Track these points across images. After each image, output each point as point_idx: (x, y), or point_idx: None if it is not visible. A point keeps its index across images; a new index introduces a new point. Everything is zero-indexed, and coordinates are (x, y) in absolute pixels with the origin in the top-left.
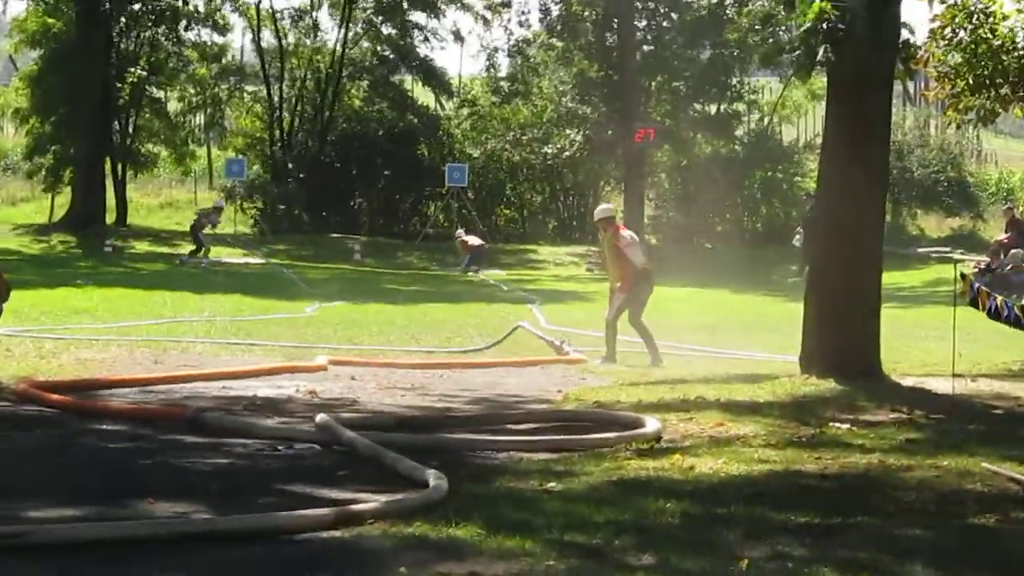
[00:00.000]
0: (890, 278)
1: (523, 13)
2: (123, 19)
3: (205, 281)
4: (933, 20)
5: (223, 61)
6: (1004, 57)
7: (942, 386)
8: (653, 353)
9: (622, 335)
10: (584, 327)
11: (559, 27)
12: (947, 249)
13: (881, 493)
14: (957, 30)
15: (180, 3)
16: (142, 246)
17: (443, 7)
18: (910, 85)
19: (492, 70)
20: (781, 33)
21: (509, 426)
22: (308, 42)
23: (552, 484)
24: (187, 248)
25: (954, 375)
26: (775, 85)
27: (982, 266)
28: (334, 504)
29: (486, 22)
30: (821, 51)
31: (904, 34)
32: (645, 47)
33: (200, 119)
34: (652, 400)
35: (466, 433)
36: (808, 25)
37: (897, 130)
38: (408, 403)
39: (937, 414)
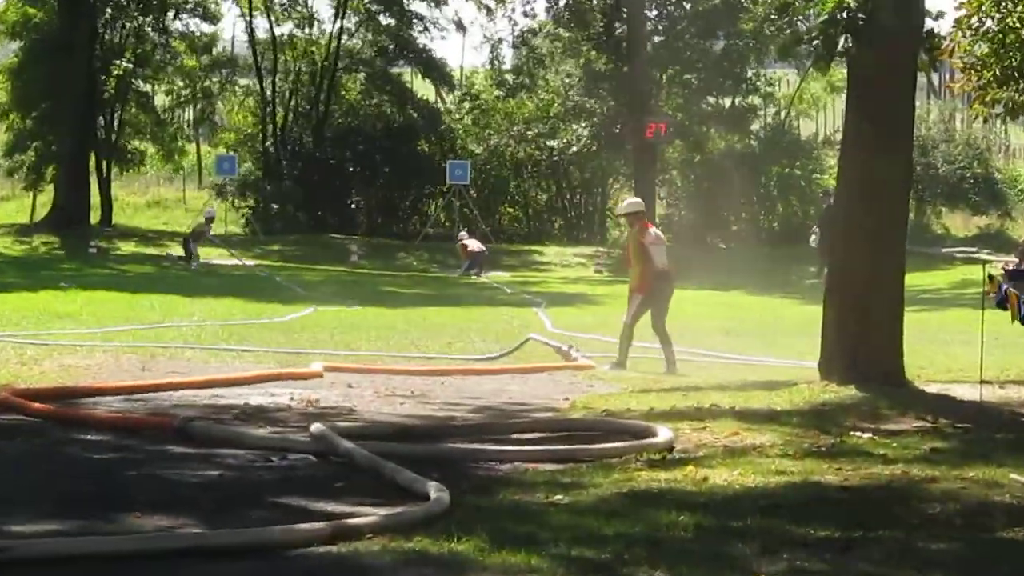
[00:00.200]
0: (914, 279)
1: (528, 2)
2: (108, 9)
3: (194, 284)
4: (959, 8)
5: (213, 52)
6: None
7: (969, 393)
8: (669, 359)
9: (638, 340)
10: (593, 331)
11: (566, 16)
12: (973, 249)
13: (904, 505)
14: (984, 19)
15: None
16: (128, 247)
17: None
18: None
19: (496, 62)
20: (799, 22)
21: (514, 435)
22: (303, 32)
23: (559, 496)
24: (176, 248)
25: (981, 382)
26: (792, 77)
27: (1010, 267)
28: (330, 518)
29: (489, 11)
30: (841, 41)
31: (928, 23)
32: (656, 38)
33: (189, 114)
34: (664, 408)
35: (469, 443)
36: (827, 14)
37: (921, 124)
38: (408, 411)
39: (963, 423)
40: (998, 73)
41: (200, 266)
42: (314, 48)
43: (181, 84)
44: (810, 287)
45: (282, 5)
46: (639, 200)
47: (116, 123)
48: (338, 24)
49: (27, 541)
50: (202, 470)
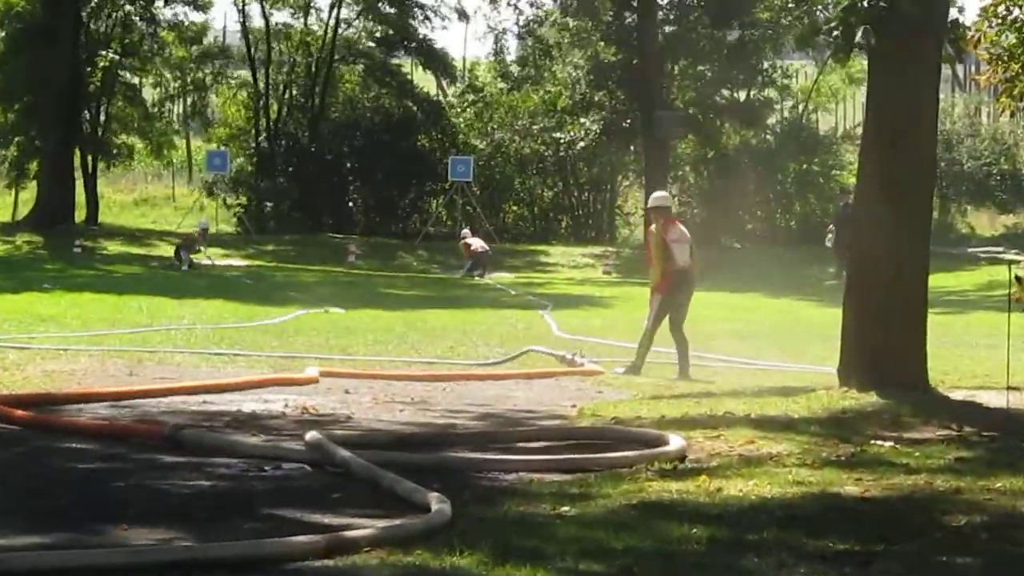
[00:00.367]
0: (937, 280)
1: None
2: None
3: (184, 285)
4: None
5: (203, 43)
6: None
7: (995, 400)
8: (683, 365)
9: (656, 345)
10: (602, 335)
11: (574, 5)
12: (1000, 249)
13: (927, 517)
14: (1011, 7)
15: None
16: (115, 247)
17: None
18: (959, 69)
19: (500, 53)
20: (817, 11)
21: (519, 444)
22: (299, 21)
23: (566, 508)
24: (165, 250)
25: (1008, 387)
26: (810, 69)
27: None
28: (326, 530)
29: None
30: (861, 31)
31: (952, 12)
32: (667, 27)
33: (179, 107)
34: (676, 415)
35: (471, 452)
36: (847, 2)
37: (945, 118)
38: (408, 419)
39: (990, 431)
40: None
41: (193, 267)
42: (310, 38)
43: (170, 76)
44: (829, 289)
45: None
46: (667, 195)
47: (102, 117)
48: (336, 13)
49: (9, 554)
50: (193, 480)
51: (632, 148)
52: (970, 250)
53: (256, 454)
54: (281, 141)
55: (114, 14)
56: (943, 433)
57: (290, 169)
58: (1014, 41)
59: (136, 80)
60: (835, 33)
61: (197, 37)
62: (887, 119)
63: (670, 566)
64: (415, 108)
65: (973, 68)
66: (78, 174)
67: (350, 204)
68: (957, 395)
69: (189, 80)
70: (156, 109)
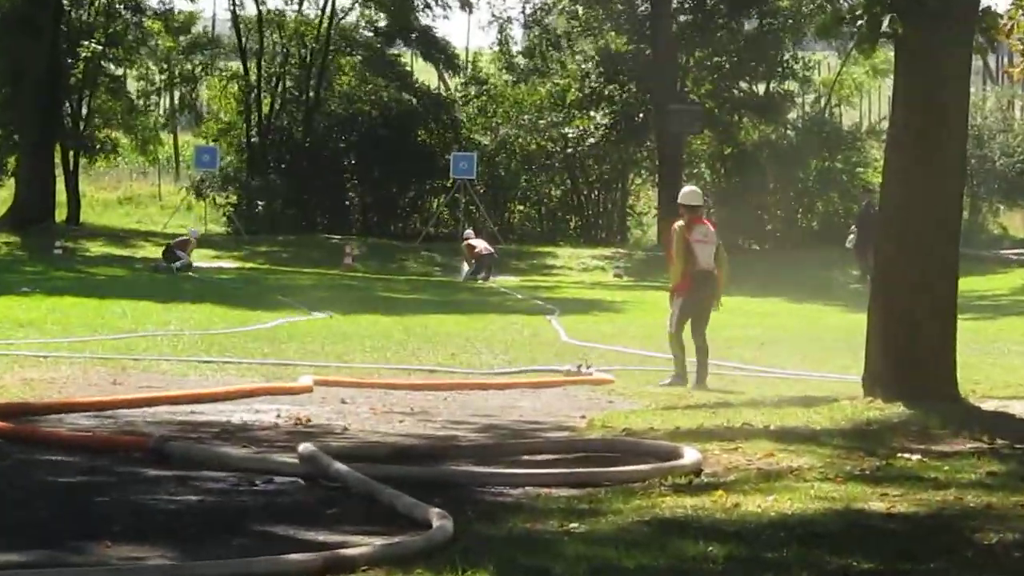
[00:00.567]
0: (967, 284)
1: None
2: None
3: (171, 289)
4: None
5: (191, 33)
6: None
7: None
8: (700, 373)
9: (665, 352)
10: (612, 342)
11: None
12: None
13: (957, 535)
14: None
15: None
16: (97, 248)
17: None
18: (991, 60)
19: (505, 43)
20: None
21: (525, 457)
22: (293, 10)
23: (574, 524)
24: (150, 251)
25: None
26: (833, 60)
27: None
28: (322, 548)
29: None
30: (887, 20)
31: (984, 0)
32: (682, 17)
33: (165, 100)
34: (691, 427)
35: (475, 465)
36: None
37: (976, 113)
38: (408, 430)
39: (1023, 443)
40: None
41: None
42: (305, 27)
43: (155, 68)
44: (853, 293)
45: None
46: (697, 191)
47: (84, 110)
48: (332, 0)
49: None
50: (180, 494)
51: (645, 144)
52: (1002, 252)
53: (247, 467)
54: (274, 137)
55: (97, 2)
56: (973, 446)
57: (283, 166)
58: None
59: (120, 72)
60: (859, 22)
61: (185, 26)
62: (914, 113)
63: None
64: (415, 102)
65: (1006, 59)
66: (58, 171)
67: (347, 203)
68: (988, 405)
69: (176, 72)
70: (141, 102)
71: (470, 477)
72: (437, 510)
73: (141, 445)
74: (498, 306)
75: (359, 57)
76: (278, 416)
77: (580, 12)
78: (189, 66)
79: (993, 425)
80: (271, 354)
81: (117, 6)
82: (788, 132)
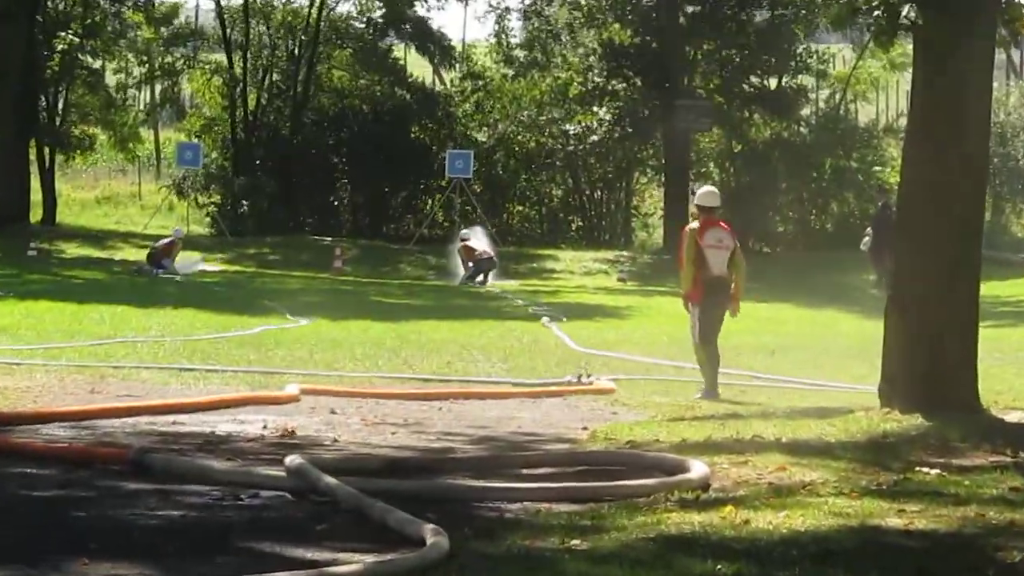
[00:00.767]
0: (989, 290)
1: None
2: None
3: (152, 293)
4: None
5: (174, 24)
6: None
7: None
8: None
9: (683, 362)
10: (616, 349)
11: None
12: None
13: (979, 553)
14: None
15: None
16: (74, 249)
17: None
18: (1015, 54)
19: (503, 35)
20: None
21: (524, 471)
22: (280, 1)
23: (576, 541)
24: (131, 254)
25: None
26: (848, 53)
27: None
28: (310, 566)
29: None
30: (905, 10)
31: None
32: (690, 7)
33: (146, 95)
34: (698, 439)
35: (471, 479)
36: None
37: (999, 109)
38: (401, 442)
39: None
40: None
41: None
42: (293, 18)
43: (136, 60)
44: (869, 298)
45: None
46: (714, 191)
47: (60, 105)
48: None
49: None
50: (161, 509)
51: (650, 142)
52: None
53: (231, 480)
54: (260, 133)
55: None
56: (995, 459)
57: (270, 164)
58: None
59: (98, 64)
60: (876, 13)
61: (167, 17)
62: (934, 109)
63: None
64: (409, 97)
65: None
66: (33, 168)
67: (336, 203)
68: (1012, 417)
69: (157, 65)
70: (120, 96)
71: (467, 491)
72: (432, 526)
73: (119, 457)
74: (497, 311)
75: (350, 50)
76: (264, 427)
77: (582, 2)
78: (170, 59)
79: (1016, 438)
80: (256, 361)
81: None
82: (801, 129)
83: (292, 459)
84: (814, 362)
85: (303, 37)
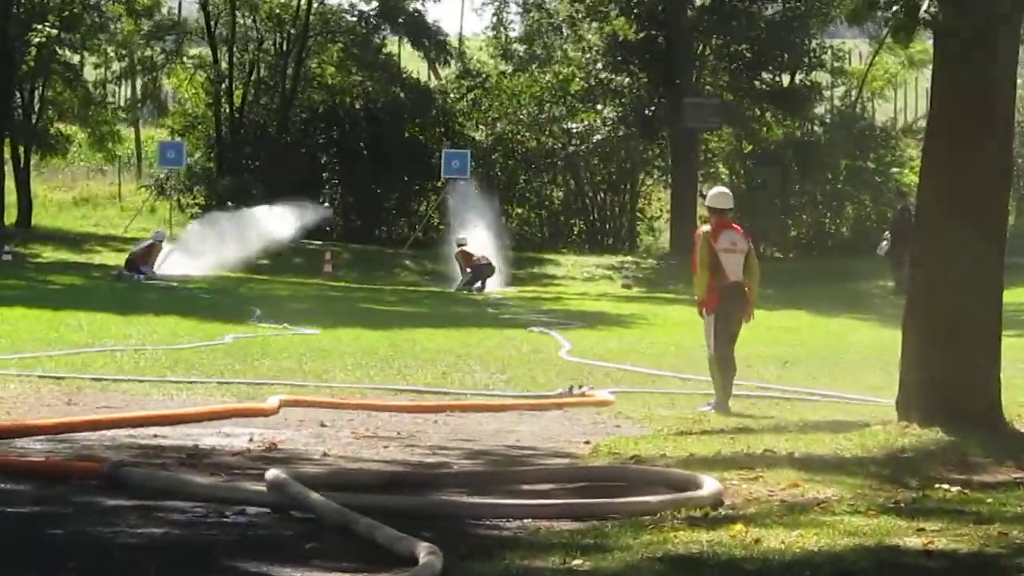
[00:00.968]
0: (1013, 297)
1: None
2: None
3: (132, 299)
4: None
5: (156, 17)
6: None
7: None
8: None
9: (692, 374)
10: (619, 360)
11: None
12: None
13: (1001, 573)
14: None
15: None
16: (50, 253)
17: None
18: None
19: (502, 29)
20: None
21: (523, 486)
22: None
23: (578, 561)
24: (110, 258)
25: None
26: (864, 49)
27: None
28: None
29: None
30: (925, 4)
31: None
32: (698, 1)
33: (126, 91)
34: (707, 454)
35: (467, 495)
36: None
37: (1022, 107)
38: (393, 456)
39: None
40: None
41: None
42: (281, 10)
43: (115, 55)
44: (887, 306)
45: None
46: (727, 192)
47: (36, 101)
48: None
49: None
50: (142, 527)
51: (657, 141)
52: None
53: (215, 496)
54: (246, 132)
55: None
56: (1019, 476)
57: (256, 163)
58: None
59: (76, 59)
60: (894, 7)
61: (148, 9)
62: (956, 109)
63: None
64: (403, 94)
65: None
66: (8, 168)
67: (326, 205)
68: None
69: (137, 59)
70: (99, 92)
71: (462, 508)
72: (425, 544)
73: (94, 472)
74: (495, 319)
75: (341, 44)
76: (251, 440)
77: None
78: (151, 52)
79: None
80: (243, 371)
81: None
82: (815, 128)
83: (274, 473)
84: (828, 373)
85: (292, 30)
